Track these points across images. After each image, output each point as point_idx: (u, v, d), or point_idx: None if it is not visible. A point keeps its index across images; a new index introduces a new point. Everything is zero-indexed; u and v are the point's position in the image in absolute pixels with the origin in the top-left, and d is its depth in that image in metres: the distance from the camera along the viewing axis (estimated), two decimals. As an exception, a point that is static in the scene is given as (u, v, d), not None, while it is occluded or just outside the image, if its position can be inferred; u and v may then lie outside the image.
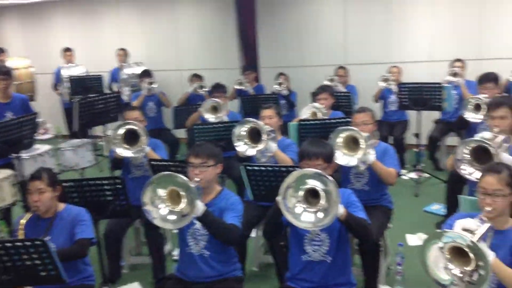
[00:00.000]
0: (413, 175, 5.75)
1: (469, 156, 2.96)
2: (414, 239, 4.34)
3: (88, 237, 2.96)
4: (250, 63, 7.85)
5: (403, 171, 6.01)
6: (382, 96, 6.42)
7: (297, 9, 7.61)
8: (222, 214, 2.76)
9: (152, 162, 3.72)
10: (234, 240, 2.73)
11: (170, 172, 2.53)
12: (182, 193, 2.49)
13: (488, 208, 2.27)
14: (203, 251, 2.78)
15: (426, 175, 5.75)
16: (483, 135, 3.08)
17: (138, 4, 8.66)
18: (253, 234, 3.82)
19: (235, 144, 3.66)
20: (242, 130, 3.67)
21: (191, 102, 6.61)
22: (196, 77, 7.02)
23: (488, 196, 2.29)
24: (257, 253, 3.97)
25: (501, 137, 3.13)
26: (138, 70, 7.46)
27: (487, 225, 2.19)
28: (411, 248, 4.13)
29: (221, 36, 8.13)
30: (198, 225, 2.76)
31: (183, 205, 2.49)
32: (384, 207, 3.62)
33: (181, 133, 6.89)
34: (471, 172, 2.94)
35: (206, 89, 6.43)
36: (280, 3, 7.69)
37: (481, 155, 2.94)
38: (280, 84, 6.50)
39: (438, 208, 4.93)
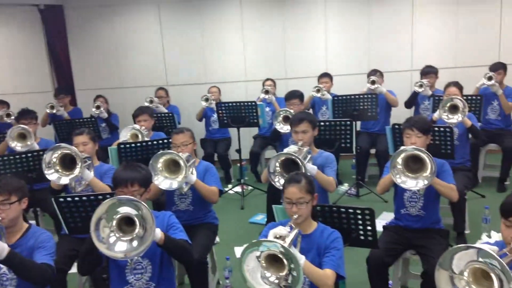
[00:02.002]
0: (238, 189, 6.00)
1: (280, 168, 3.19)
2: (241, 251, 4.49)
3: None
4: (64, 85, 7.34)
5: (229, 186, 6.24)
6: (205, 114, 6.60)
7: (110, 28, 7.37)
8: (32, 253, 2.51)
9: None
10: (47, 280, 2.49)
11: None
12: (-23, 236, 2.18)
13: (295, 216, 2.46)
14: (12, 297, 2.47)
15: (250, 187, 6.06)
16: (290, 149, 3.35)
17: None
18: (74, 269, 3.53)
19: (45, 172, 3.34)
20: (53, 156, 3.38)
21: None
22: (0, 103, 6.29)
23: (293, 204, 2.49)
24: (80, 290, 3.69)
25: (305, 149, 3.46)
26: None
27: (296, 231, 2.36)
28: (239, 260, 4.27)
29: (29, 56, 7.41)
30: (4, 268, 2.47)
31: (-19, 249, 2.18)
32: (210, 223, 3.68)
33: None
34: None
35: (13, 117, 5.81)
36: (92, 22, 7.36)
37: (291, 167, 3.19)
38: (98, 107, 6.21)
39: (262, 218, 5.20)
